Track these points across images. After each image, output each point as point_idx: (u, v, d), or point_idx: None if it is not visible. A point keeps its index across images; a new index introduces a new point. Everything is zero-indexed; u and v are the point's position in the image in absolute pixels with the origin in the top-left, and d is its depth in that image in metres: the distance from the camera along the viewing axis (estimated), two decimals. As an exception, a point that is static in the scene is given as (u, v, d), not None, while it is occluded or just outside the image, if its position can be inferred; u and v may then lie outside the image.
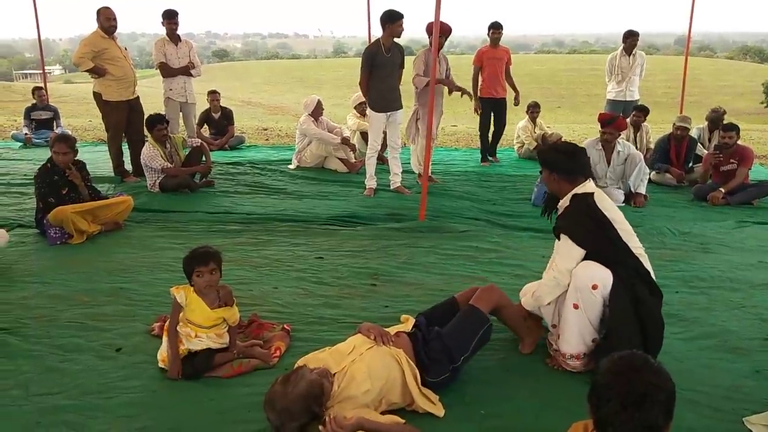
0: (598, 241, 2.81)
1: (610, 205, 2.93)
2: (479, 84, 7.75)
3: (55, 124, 9.64)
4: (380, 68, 6.02)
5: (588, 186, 2.93)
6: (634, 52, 7.98)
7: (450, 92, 6.71)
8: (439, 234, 5.03)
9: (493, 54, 7.73)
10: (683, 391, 2.59)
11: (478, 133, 8.19)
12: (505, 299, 2.99)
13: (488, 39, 7.83)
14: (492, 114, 7.89)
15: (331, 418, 2.17)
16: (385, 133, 6.52)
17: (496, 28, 7.72)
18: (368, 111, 6.33)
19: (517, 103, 8.08)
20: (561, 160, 2.94)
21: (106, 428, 2.41)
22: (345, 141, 7.45)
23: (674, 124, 6.95)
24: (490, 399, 2.62)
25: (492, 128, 8.07)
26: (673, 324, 3.38)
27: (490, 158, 8.19)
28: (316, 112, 7.46)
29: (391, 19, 5.91)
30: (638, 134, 7.63)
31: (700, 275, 4.15)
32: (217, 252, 2.85)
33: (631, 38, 7.95)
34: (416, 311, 3.32)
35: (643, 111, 7.63)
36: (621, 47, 8.04)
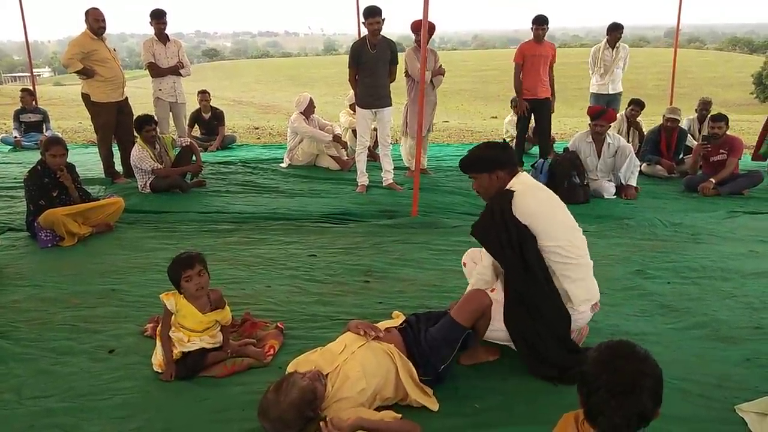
0: (502, 250, 2.73)
1: (534, 208, 2.75)
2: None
3: (44, 126, 9.58)
4: (365, 65, 6.03)
5: (517, 180, 2.81)
6: (617, 45, 7.98)
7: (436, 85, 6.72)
8: (431, 230, 5.04)
9: (537, 50, 7.02)
10: (674, 380, 2.62)
11: (514, 136, 7.62)
12: (489, 310, 2.70)
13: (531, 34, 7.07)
14: (533, 117, 7.33)
15: (329, 421, 2.16)
16: (375, 129, 6.53)
17: (540, 23, 6.97)
18: (356, 107, 6.34)
19: (551, 111, 7.41)
20: (500, 155, 2.84)
21: (100, 430, 2.40)
22: (336, 138, 7.45)
23: (664, 115, 6.99)
24: (483, 393, 2.62)
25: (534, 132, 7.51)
26: (665, 314, 3.42)
27: (531, 168, 6.75)
28: (308, 110, 7.45)
29: (364, 16, 5.93)
30: (631, 129, 7.65)
31: (691, 265, 4.17)
32: (200, 254, 2.82)
33: (615, 32, 7.89)
34: (410, 307, 3.34)
35: (639, 104, 7.63)
36: (605, 40, 8.03)
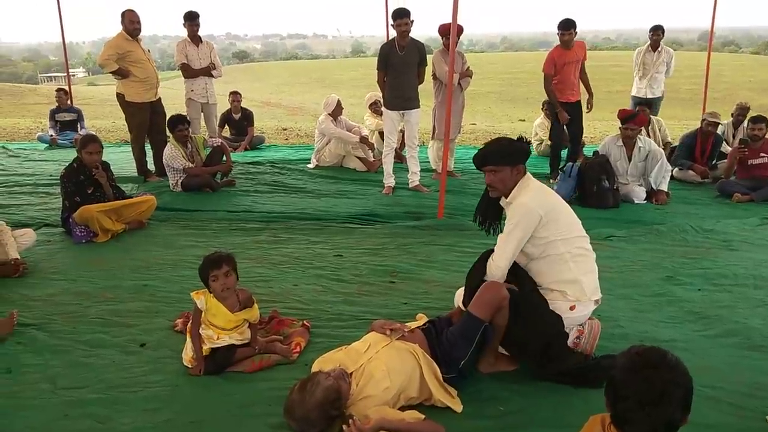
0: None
1: (552, 201, 2.87)
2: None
3: (78, 125, 9.83)
4: (394, 67, 6.05)
5: (528, 180, 2.88)
6: (659, 48, 7.83)
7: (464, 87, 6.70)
8: (457, 232, 5.02)
9: (567, 57, 6.51)
10: (705, 388, 2.58)
11: (549, 143, 7.15)
12: (506, 302, 2.66)
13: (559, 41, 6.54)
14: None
15: (352, 423, 2.17)
16: (403, 131, 6.54)
17: (565, 29, 6.41)
18: (383, 108, 6.37)
19: (589, 109, 6.84)
20: (526, 149, 2.87)
21: (131, 421, 2.46)
22: (363, 140, 7.49)
23: (704, 119, 6.82)
24: (508, 396, 2.62)
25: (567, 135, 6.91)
26: (696, 321, 3.37)
27: (561, 171, 6.31)
28: (336, 111, 7.50)
29: (393, 18, 5.97)
30: (649, 128, 7.52)
31: (723, 273, 4.09)
32: (230, 255, 2.85)
33: (653, 33, 7.77)
34: (435, 308, 3.35)
35: (647, 104, 7.54)
36: (648, 43, 7.92)
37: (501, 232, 2.97)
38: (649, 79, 7.87)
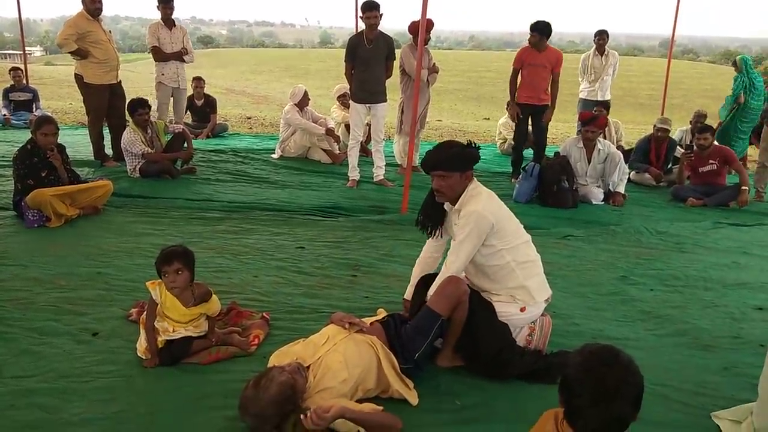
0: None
1: (498, 209, 2.87)
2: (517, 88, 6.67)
3: (34, 105, 9.49)
4: (361, 59, 6.03)
5: (475, 185, 2.88)
6: (606, 52, 8.07)
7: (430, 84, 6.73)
8: (420, 227, 5.05)
9: (534, 59, 6.44)
10: (654, 385, 2.66)
11: (512, 143, 7.09)
12: (465, 297, 2.72)
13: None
14: (531, 122, 6.76)
15: (312, 411, 2.16)
16: (369, 125, 6.53)
17: (531, 31, 6.40)
18: (350, 101, 6.35)
19: (547, 120, 6.71)
20: (475, 154, 2.85)
21: (81, 412, 2.40)
22: (329, 132, 7.45)
23: (655, 125, 7.05)
24: (465, 390, 2.65)
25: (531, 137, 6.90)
26: (647, 320, 3.47)
27: (522, 170, 6.29)
28: (302, 102, 7.44)
29: (362, 10, 5.97)
30: (606, 129, 7.72)
31: (675, 274, 4.23)
32: (186, 251, 2.77)
33: (598, 37, 8.06)
34: (396, 302, 3.36)
35: (604, 105, 7.78)
36: (594, 47, 8.16)
37: (440, 236, 3.04)
38: (600, 82, 8.09)
